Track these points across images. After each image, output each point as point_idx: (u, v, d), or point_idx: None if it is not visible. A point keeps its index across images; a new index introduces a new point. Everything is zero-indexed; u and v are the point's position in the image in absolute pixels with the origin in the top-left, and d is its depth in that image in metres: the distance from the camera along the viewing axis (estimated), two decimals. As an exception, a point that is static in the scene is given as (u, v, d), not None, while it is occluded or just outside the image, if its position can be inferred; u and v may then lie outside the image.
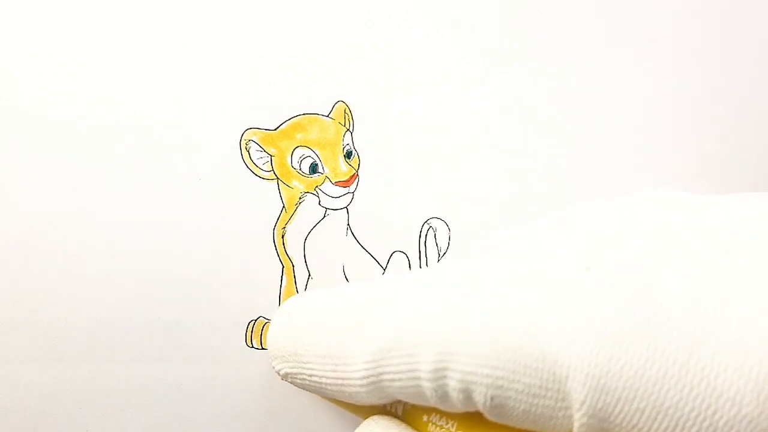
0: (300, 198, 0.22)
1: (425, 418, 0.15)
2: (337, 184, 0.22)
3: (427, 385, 0.13)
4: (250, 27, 0.22)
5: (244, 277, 0.22)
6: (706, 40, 0.24)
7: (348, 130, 0.22)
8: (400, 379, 0.13)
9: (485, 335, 0.12)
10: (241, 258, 0.22)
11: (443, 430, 0.14)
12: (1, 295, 0.21)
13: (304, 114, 0.22)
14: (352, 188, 0.22)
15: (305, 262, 0.22)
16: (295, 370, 0.16)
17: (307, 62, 0.22)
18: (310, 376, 0.16)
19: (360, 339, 0.14)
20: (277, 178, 0.22)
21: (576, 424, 0.11)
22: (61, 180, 0.21)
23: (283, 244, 0.22)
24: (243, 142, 0.22)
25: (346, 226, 0.23)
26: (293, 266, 0.22)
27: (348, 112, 0.22)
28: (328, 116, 0.22)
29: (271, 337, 0.18)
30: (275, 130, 0.22)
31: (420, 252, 0.23)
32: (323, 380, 0.15)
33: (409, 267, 0.23)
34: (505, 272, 0.13)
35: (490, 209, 0.23)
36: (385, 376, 0.14)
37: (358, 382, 0.14)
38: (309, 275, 0.22)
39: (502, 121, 0.23)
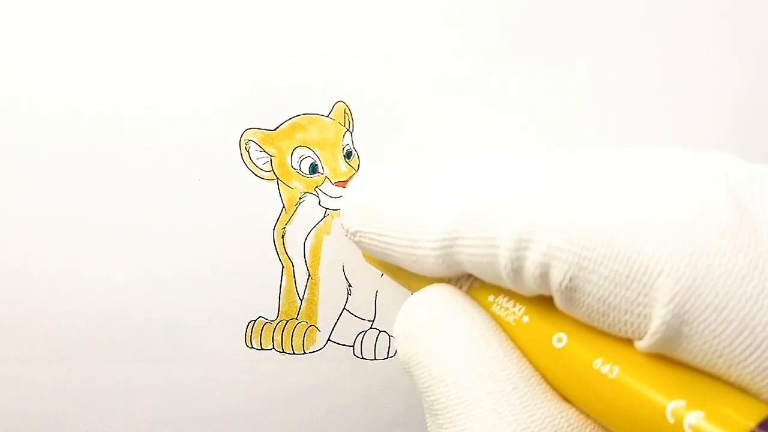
0: (300, 198, 0.22)
1: (491, 298, 0.14)
2: (337, 184, 0.22)
3: (504, 254, 0.12)
4: (250, 27, 0.22)
5: (244, 277, 0.22)
6: (706, 40, 0.24)
7: (348, 130, 0.22)
8: (476, 246, 0.13)
9: (582, 214, 0.11)
10: (241, 258, 0.22)
11: (508, 312, 0.14)
12: (1, 295, 0.21)
13: (303, 114, 0.22)
14: (352, 188, 0.22)
15: (305, 262, 0.22)
16: (366, 229, 0.16)
17: (307, 62, 0.22)
18: (380, 235, 0.15)
19: (440, 203, 0.14)
20: (277, 178, 0.22)
21: (656, 321, 0.11)
22: (61, 180, 0.21)
23: (283, 244, 0.22)
24: (243, 142, 0.22)
25: (346, 226, 0.23)
26: (293, 266, 0.22)
27: (348, 112, 0.22)
28: (327, 116, 0.22)
29: (349, 193, 0.17)
30: (275, 130, 0.22)
31: (420, 252, 0.23)
32: (393, 241, 0.15)
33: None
34: (613, 162, 0.13)
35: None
36: (460, 242, 0.13)
37: (431, 245, 0.14)
38: (309, 275, 0.22)
39: (502, 121, 0.23)
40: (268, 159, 0.22)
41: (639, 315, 0.11)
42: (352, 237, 0.17)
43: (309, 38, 0.22)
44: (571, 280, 0.11)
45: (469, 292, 0.15)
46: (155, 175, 0.21)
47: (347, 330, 0.23)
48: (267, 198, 0.22)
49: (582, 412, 0.12)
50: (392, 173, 0.16)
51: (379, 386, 0.23)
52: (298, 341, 0.22)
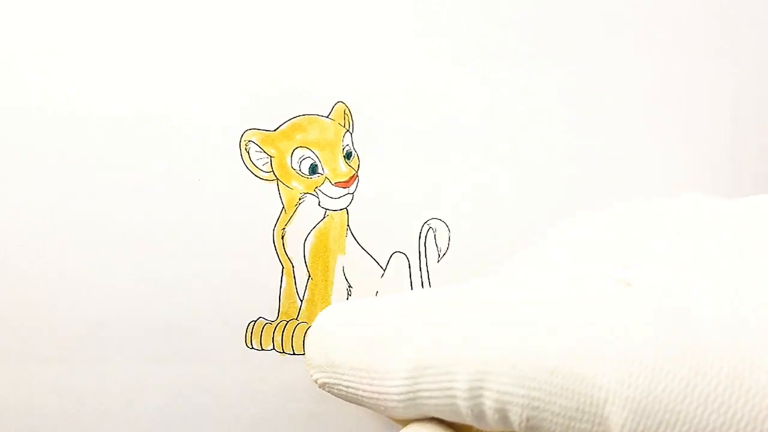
0: (300, 199, 0.22)
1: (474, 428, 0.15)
2: (336, 184, 0.22)
3: (463, 403, 0.13)
4: (251, 28, 0.22)
5: (244, 277, 0.22)
6: (708, 38, 0.24)
7: (348, 130, 0.22)
8: (436, 397, 0.13)
9: (522, 355, 0.12)
10: (241, 258, 0.22)
11: None
12: (1, 295, 0.21)
13: (303, 115, 0.22)
14: (351, 189, 0.22)
15: (305, 262, 0.22)
16: (332, 381, 0.16)
17: (307, 63, 0.22)
18: (347, 387, 0.16)
19: (396, 355, 0.14)
20: (277, 178, 0.22)
21: None
22: (62, 181, 0.21)
23: (283, 244, 0.22)
24: (243, 143, 0.22)
25: (346, 227, 0.23)
26: (293, 267, 0.22)
27: (348, 113, 0.22)
28: (327, 117, 0.22)
29: (309, 347, 0.18)
30: (275, 130, 0.22)
31: (420, 253, 0.23)
32: (360, 392, 0.15)
33: (409, 268, 0.23)
34: (541, 291, 0.13)
35: (490, 210, 0.23)
36: (422, 394, 0.14)
37: (395, 397, 0.14)
38: (309, 276, 0.22)
39: (502, 121, 0.23)
40: (268, 159, 0.22)
41: None
42: (321, 388, 0.17)
43: (309, 39, 0.22)
44: (528, 420, 0.12)
45: (452, 422, 0.15)
46: (155, 175, 0.21)
47: (347, 330, 0.23)
48: (267, 198, 0.22)
49: None
50: (346, 317, 0.17)
51: (379, 386, 0.23)
52: (298, 342, 0.22)
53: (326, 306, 0.23)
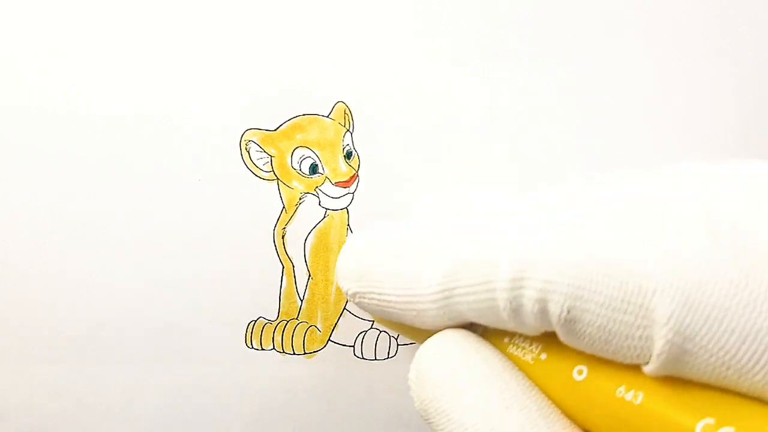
0: (300, 198, 0.22)
1: (506, 339, 0.14)
2: (337, 184, 0.22)
3: (502, 295, 0.12)
4: (251, 28, 0.22)
5: (244, 277, 0.22)
6: (708, 38, 0.24)
7: (348, 130, 0.22)
8: (474, 293, 0.13)
9: (570, 246, 0.12)
10: (241, 258, 0.22)
11: (525, 350, 0.14)
12: (1, 295, 0.21)
13: (303, 114, 0.22)
14: (352, 189, 0.22)
15: (305, 262, 0.22)
16: (364, 289, 0.16)
17: (308, 63, 0.22)
18: (380, 294, 0.16)
19: (433, 257, 0.14)
20: (277, 178, 0.22)
21: (659, 342, 0.11)
22: (62, 181, 0.21)
23: (283, 244, 0.22)
24: (243, 143, 0.22)
25: (347, 226, 0.23)
26: (293, 266, 0.22)
27: (348, 113, 0.22)
28: (328, 117, 0.22)
29: (343, 257, 0.17)
30: (275, 130, 0.22)
31: (420, 252, 0.23)
32: (392, 298, 0.15)
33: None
34: (596, 195, 0.13)
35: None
36: (458, 291, 0.13)
37: (430, 297, 0.14)
38: (309, 276, 0.22)
39: (503, 121, 0.23)
40: (269, 159, 0.22)
41: (640, 338, 0.11)
42: (351, 299, 0.17)
43: (309, 39, 0.22)
44: (569, 311, 0.12)
45: (484, 335, 0.15)
46: (156, 176, 0.21)
47: (347, 330, 0.23)
48: (267, 198, 0.22)
49: None
50: (381, 231, 0.17)
51: (379, 386, 0.23)
52: (298, 341, 0.22)
53: (326, 306, 0.23)
